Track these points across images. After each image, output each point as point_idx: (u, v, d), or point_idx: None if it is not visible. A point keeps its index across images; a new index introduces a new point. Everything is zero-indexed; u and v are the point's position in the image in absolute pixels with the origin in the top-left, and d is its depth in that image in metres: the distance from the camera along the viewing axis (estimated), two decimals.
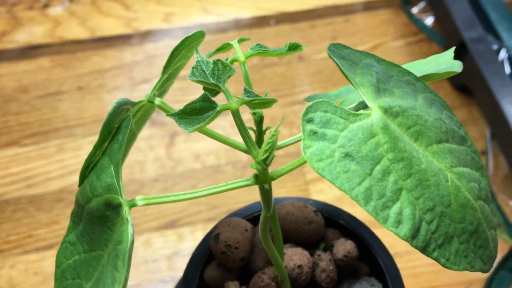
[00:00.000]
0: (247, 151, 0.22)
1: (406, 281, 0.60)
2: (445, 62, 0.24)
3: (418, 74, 0.22)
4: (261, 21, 0.81)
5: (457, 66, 0.23)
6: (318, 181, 0.66)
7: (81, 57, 0.76)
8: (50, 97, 0.72)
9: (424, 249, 0.18)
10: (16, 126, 0.70)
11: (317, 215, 0.30)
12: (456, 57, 0.78)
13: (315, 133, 0.17)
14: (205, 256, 0.29)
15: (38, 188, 0.65)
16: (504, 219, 0.63)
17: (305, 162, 0.19)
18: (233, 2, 0.84)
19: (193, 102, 0.20)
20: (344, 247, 0.29)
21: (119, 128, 0.21)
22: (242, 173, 0.67)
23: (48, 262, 0.60)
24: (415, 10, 0.82)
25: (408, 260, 0.61)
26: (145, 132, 0.69)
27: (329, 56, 0.19)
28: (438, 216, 0.17)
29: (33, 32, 0.79)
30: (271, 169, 0.22)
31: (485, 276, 0.59)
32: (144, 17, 0.81)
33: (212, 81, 0.20)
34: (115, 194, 0.20)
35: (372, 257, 0.30)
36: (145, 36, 0.79)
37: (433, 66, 0.24)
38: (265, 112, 0.27)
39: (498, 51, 0.71)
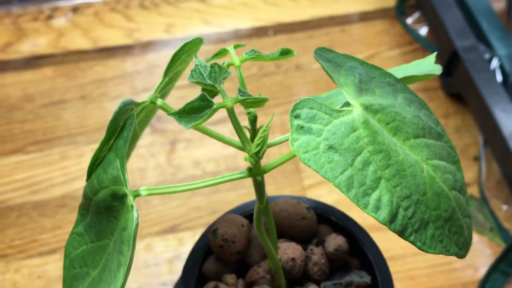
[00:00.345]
0: (242, 148, 0.23)
1: (401, 283, 0.61)
2: (427, 66, 0.26)
3: (400, 77, 0.24)
4: (259, 32, 0.83)
5: (437, 70, 0.25)
6: (315, 187, 0.68)
7: (84, 67, 0.78)
8: (54, 106, 0.74)
9: (401, 233, 0.19)
10: (20, 134, 0.71)
11: (310, 211, 0.32)
12: (450, 65, 0.80)
13: (301, 127, 0.19)
14: (203, 251, 0.31)
15: (42, 194, 0.66)
16: (496, 223, 0.64)
17: (294, 156, 0.21)
18: (232, 13, 0.86)
19: (192, 102, 0.21)
20: (335, 241, 0.30)
21: (124, 126, 0.23)
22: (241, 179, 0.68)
23: (51, 266, 0.61)
24: (409, 20, 0.85)
25: (403, 263, 0.62)
26: (146, 139, 0.71)
27: (315, 59, 0.21)
28: (414, 203, 0.19)
29: (37, 42, 0.81)
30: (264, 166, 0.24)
31: (478, 278, 0.60)
32: (145, 28, 0.83)
33: (209, 82, 0.22)
34: (121, 185, 0.22)
35: (362, 252, 0.32)
36: (146, 46, 0.81)
37: (416, 70, 0.26)
38: (263, 119, 0.29)
39: (490, 60, 0.73)
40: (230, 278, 0.30)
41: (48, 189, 0.67)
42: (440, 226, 0.20)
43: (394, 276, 0.62)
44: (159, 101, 0.24)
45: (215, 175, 0.69)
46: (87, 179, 0.24)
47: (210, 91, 0.23)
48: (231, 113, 0.22)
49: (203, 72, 0.22)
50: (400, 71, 0.26)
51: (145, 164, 0.69)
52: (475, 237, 0.63)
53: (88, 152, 0.70)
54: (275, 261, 0.28)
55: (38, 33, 0.82)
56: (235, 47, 0.26)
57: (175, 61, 0.24)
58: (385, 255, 0.63)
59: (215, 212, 0.66)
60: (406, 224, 0.19)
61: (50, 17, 0.84)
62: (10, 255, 0.62)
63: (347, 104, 0.20)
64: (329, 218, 0.33)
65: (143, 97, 0.79)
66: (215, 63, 0.23)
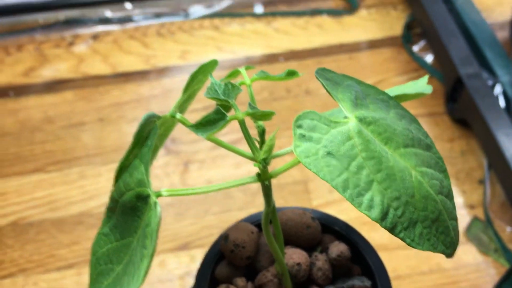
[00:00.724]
0: (251, 157, 0.26)
1: None
2: (420, 87, 0.28)
3: (393, 95, 0.26)
4: (271, 58, 0.87)
5: (428, 89, 0.27)
6: (323, 207, 0.70)
7: (103, 91, 0.82)
8: (73, 128, 0.77)
9: (392, 230, 0.22)
10: (41, 154, 0.75)
11: (315, 221, 0.34)
12: (454, 92, 0.83)
13: (303, 136, 0.22)
14: (216, 256, 0.33)
15: (60, 211, 0.69)
16: (501, 244, 0.66)
17: (298, 162, 0.23)
18: (245, 41, 0.90)
19: (208, 115, 0.24)
20: (338, 248, 0.33)
21: (147, 136, 0.26)
22: (251, 199, 0.71)
23: (68, 280, 0.63)
24: (415, 48, 0.88)
25: (410, 282, 0.64)
26: (161, 160, 0.74)
27: (317, 77, 0.24)
28: (403, 204, 0.22)
29: (58, 68, 0.85)
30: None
31: None
32: (161, 55, 0.87)
33: (223, 97, 0.25)
34: (145, 187, 0.24)
35: (363, 259, 0.34)
36: (162, 72, 0.85)
37: (409, 90, 0.28)
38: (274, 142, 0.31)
39: (493, 86, 0.75)
40: (240, 281, 0.32)
41: (67, 206, 0.69)
42: (427, 225, 0.22)
43: None
44: (178, 115, 0.27)
45: (227, 195, 0.72)
46: (114, 184, 0.27)
47: (224, 107, 0.26)
48: (242, 124, 0.25)
49: (217, 90, 0.25)
50: (395, 90, 0.29)
51: (160, 184, 0.72)
52: (480, 257, 0.65)
53: (105, 172, 0.73)
54: (282, 264, 0.30)
55: (59, 59, 0.86)
56: (247, 68, 0.29)
57: (192, 80, 0.27)
58: (393, 274, 0.65)
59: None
60: (396, 222, 0.21)
61: (71, 43, 0.88)
62: (29, 270, 0.64)
63: (343, 116, 0.23)
64: (332, 228, 0.35)
65: None
66: (228, 82, 0.25)
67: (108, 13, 0.93)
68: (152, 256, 0.22)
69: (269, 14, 0.93)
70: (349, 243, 0.34)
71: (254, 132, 0.34)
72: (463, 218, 0.68)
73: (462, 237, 0.66)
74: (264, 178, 0.26)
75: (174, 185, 0.72)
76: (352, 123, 0.22)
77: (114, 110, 0.79)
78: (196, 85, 0.27)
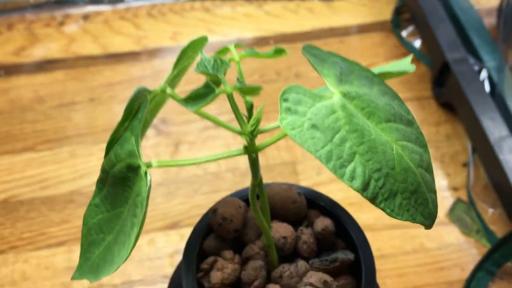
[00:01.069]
0: (239, 131, 0.27)
1: (391, 281, 0.64)
2: (403, 65, 0.29)
3: (377, 72, 0.27)
4: (261, 41, 0.87)
5: (410, 68, 0.28)
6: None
7: (94, 71, 0.82)
8: (64, 107, 0.78)
9: (373, 200, 0.23)
10: (32, 133, 0.75)
11: (301, 196, 0.35)
12: (441, 76, 0.84)
13: (289, 109, 0.23)
14: (204, 230, 0.34)
15: (51, 190, 0.70)
16: (483, 226, 0.67)
17: (284, 135, 0.24)
18: (236, 23, 0.90)
19: (197, 89, 0.25)
20: (323, 222, 0.34)
21: (138, 109, 0.27)
22: (241, 179, 0.72)
23: (59, 257, 0.64)
24: (404, 33, 0.89)
25: (393, 261, 0.66)
26: (152, 140, 0.75)
27: (303, 54, 0.25)
28: (384, 175, 0.23)
29: (49, 47, 0.85)
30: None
31: (464, 277, 0.63)
32: (152, 36, 0.87)
33: (212, 72, 0.25)
34: (135, 158, 0.25)
35: (347, 234, 0.35)
36: (153, 53, 0.85)
37: (392, 68, 0.29)
38: (264, 123, 0.32)
39: (479, 72, 0.76)
40: (228, 253, 0.33)
41: (57, 185, 0.70)
42: (407, 197, 0.23)
43: (385, 274, 0.65)
44: (168, 90, 0.28)
45: (216, 175, 0.73)
46: (105, 156, 0.28)
47: (213, 82, 0.27)
48: (230, 98, 0.26)
49: (207, 65, 0.26)
50: (379, 69, 0.30)
51: None
52: (462, 238, 0.67)
53: (96, 152, 0.73)
54: (268, 237, 0.31)
55: (50, 39, 0.86)
56: (236, 46, 0.30)
57: (182, 56, 0.28)
58: (377, 253, 0.66)
59: None
60: (377, 193, 0.22)
61: (62, 23, 0.88)
62: (20, 247, 0.65)
63: (328, 91, 0.24)
64: (318, 203, 0.36)
65: None
66: (218, 57, 0.26)
67: None
68: (142, 223, 0.23)
69: None
70: (334, 218, 0.36)
71: (243, 111, 0.35)
72: (447, 200, 0.70)
73: (445, 218, 0.68)
74: (251, 151, 0.27)
75: None
76: (336, 98, 0.23)
77: (105, 90, 0.80)
78: (186, 60, 0.28)
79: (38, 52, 0.84)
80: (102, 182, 0.27)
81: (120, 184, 0.26)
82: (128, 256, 0.23)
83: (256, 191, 0.29)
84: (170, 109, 0.78)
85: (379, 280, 0.63)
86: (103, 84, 0.81)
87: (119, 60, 0.84)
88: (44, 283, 0.62)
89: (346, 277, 0.34)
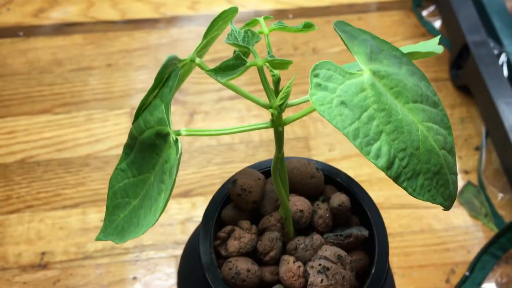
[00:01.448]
0: (266, 105, 0.27)
1: (397, 259, 0.65)
2: (431, 46, 0.29)
3: (406, 52, 0.28)
4: (280, 14, 0.87)
5: (439, 49, 0.28)
6: None
7: (111, 36, 0.82)
8: (82, 71, 0.78)
9: (396, 179, 0.23)
10: (49, 96, 0.76)
11: (318, 171, 0.36)
12: (460, 59, 0.83)
13: (319, 85, 0.23)
14: (223, 198, 0.35)
15: (67, 152, 0.71)
16: (491, 210, 0.68)
17: (312, 110, 0.25)
18: None
19: (227, 60, 0.25)
20: (339, 198, 0.34)
21: (169, 77, 0.27)
22: (253, 151, 0.72)
23: (73, 218, 0.66)
24: (425, 13, 0.88)
25: (400, 240, 0.66)
26: None
27: (335, 29, 0.25)
28: (409, 155, 0.23)
29: (68, 10, 0.85)
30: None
31: (470, 259, 0.64)
32: (171, 4, 0.87)
33: (243, 44, 0.26)
34: (165, 126, 0.26)
35: (362, 211, 0.36)
36: (171, 21, 0.85)
37: (420, 48, 0.29)
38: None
39: (498, 55, 0.76)
40: (245, 223, 0.34)
41: (73, 148, 0.71)
42: (429, 177, 0.24)
43: (391, 252, 0.66)
44: (197, 60, 0.28)
45: (229, 147, 0.74)
46: (133, 122, 0.28)
47: (242, 53, 0.27)
48: (261, 71, 0.26)
49: (237, 36, 0.26)
50: (407, 48, 0.30)
51: None
52: (470, 221, 0.67)
53: (111, 117, 0.74)
54: (286, 209, 0.32)
55: (69, 2, 0.86)
56: (265, 18, 0.30)
57: (213, 26, 0.28)
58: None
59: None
60: (401, 172, 0.23)
61: None
62: (36, 206, 0.67)
63: (358, 69, 0.24)
64: (335, 179, 0.37)
65: None
66: (248, 29, 0.27)
67: None
68: (171, 190, 0.24)
69: None
70: (350, 194, 0.36)
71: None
72: (457, 182, 0.70)
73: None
74: (278, 124, 0.27)
75: None
76: (366, 76, 0.24)
77: (122, 56, 0.80)
78: (215, 31, 0.28)
79: (56, 15, 0.84)
80: (129, 147, 0.28)
81: (148, 150, 0.26)
82: (156, 221, 0.24)
83: (278, 165, 0.30)
84: (187, 79, 0.78)
85: None
86: (120, 50, 0.81)
87: (137, 26, 0.84)
88: (58, 243, 0.64)
89: (359, 253, 0.34)
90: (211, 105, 0.76)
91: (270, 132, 0.75)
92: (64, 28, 0.83)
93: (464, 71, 0.77)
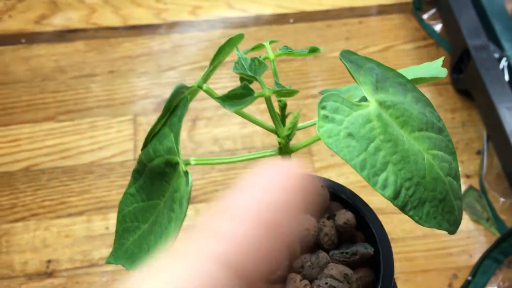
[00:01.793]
0: (273, 130, 0.28)
1: (400, 264, 0.66)
2: (434, 68, 0.30)
3: (410, 77, 0.28)
4: (280, 19, 0.87)
5: (442, 73, 0.29)
6: (325, 169, 0.72)
7: (114, 43, 0.82)
8: (84, 78, 0.79)
9: (403, 208, 0.24)
10: (53, 103, 0.76)
11: (324, 189, 0.36)
12: (460, 62, 0.83)
13: (326, 117, 0.23)
14: None
15: (71, 160, 0.71)
16: (493, 214, 0.68)
17: (318, 139, 0.25)
18: None
19: (235, 89, 0.26)
20: (344, 216, 0.35)
21: (177, 106, 0.27)
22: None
23: (78, 226, 0.66)
24: (425, 16, 0.88)
25: (403, 245, 0.67)
26: None
27: (341, 60, 0.25)
28: (415, 184, 0.24)
29: (70, 17, 0.85)
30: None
31: (472, 264, 0.65)
32: (173, 9, 0.87)
33: (250, 73, 0.26)
34: (174, 155, 0.26)
35: (367, 227, 0.36)
36: (172, 26, 0.85)
37: (424, 72, 0.30)
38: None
39: (499, 60, 0.76)
40: None
41: (77, 156, 0.72)
42: (435, 205, 0.24)
43: (394, 257, 0.67)
44: (204, 86, 0.29)
45: (232, 153, 0.74)
46: (142, 149, 0.29)
47: (248, 81, 0.28)
48: (268, 101, 0.26)
49: (244, 64, 0.27)
50: (411, 71, 0.30)
51: None
52: (472, 225, 0.68)
53: (115, 125, 0.75)
54: None
55: (71, 8, 0.86)
56: (270, 42, 0.31)
57: (220, 52, 0.28)
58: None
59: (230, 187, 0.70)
60: (407, 201, 0.23)
61: None
62: (41, 214, 0.67)
63: (364, 99, 0.25)
64: (340, 196, 0.37)
65: (167, 75, 0.83)
66: (255, 58, 0.27)
67: None
68: (182, 221, 0.24)
69: None
70: (355, 211, 0.37)
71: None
72: (462, 206, 0.70)
73: None
74: (285, 152, 0.28)
75: (182, 141, 0.74)
76: (372, 107, 0.24)
77: (125, 63, 0.80)
78: (222, 56, 0.29)
79: (58, 21, 0.84)
80: (138, 173, 0.28)
81: (157, 177, 0.27)
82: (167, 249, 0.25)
83: None
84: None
85: None
86: (122, 56, 0.81)
87: (139, 32, 0.84)
88: (64, 251, 0.64)
89: (364, 270, 0.35)
90: (213, 111, 0.77)
91: (273, 138, 0.76)
92: (66, 35, 0.83)
93: (464, 75, 0.77)
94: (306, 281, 0.33)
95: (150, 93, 0.78)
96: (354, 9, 0.89)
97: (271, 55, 0.29)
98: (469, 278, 0.63)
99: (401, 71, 0.31)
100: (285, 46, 0.30)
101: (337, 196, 0.37)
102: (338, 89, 0.32)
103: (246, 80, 0.27)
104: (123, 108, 0.76)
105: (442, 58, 0.30)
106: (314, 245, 0.35)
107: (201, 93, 0.85)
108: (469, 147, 0.74)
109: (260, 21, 0.87)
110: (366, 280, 0.34)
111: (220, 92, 0.83)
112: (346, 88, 0.32)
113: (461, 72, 0.79)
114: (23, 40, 0.82)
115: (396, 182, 0.23)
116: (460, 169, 0.74)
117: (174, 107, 0.28)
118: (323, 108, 0.24)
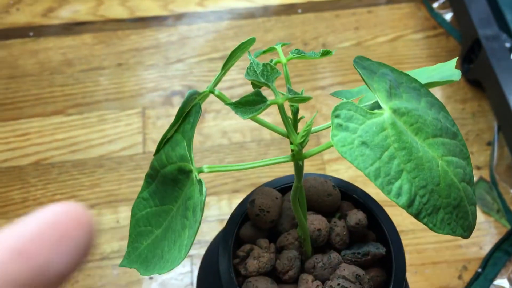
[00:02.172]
0: (286, 135, 0.28)
1: (410, 256, 0.66)
2: (448, 70, 0.29)
3: (424, 81, 0.28)
4: (288, 9, 0.86)
5: (456, 75, 0.28)
6: (333, 162, 0.72)
7: (121, 35, 0.82)
8: (92, 72, 0.79)
9: (417, 216, 0.24)
10: (61, 97, 0.76)
11: (335, 189, 0.36)
12: (471, 52, 0.82)
13: (340, 125, 0.23)
14: (241, 217, 0.35)
15: (81, 154, 0.72)
16: (503, 206, 0.68)
17: (331, 146, 0.25)
18: None
19: (247, 96, 0.25)
20: (356, 216, 0.35)
21: (189, 112, 0.27)
22: (265, 150, 0.73)
23: None
24: (435, 5, 0.87)
25: (413, 237, 0.67)
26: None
27: (354, 66, 0.25)
28: (429, 192, 0.23)
29: (77, 9, 0.85)
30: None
31: (482, 255, 0.65)
32: (180, 0, 0.86)
33: (263, 80, 0.26)
34: (187, 162, 0.26)
35: (378, 227, 0.36)
36: (179, 18, 0.85)
37: (437, 74, 0.29)
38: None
39: (511, 50, 0.75)
40: (264, 242, 0.34)
41: (87, 149, 0.72)
42: (449, 211, 0.24)
43: (404, 249, 0.67)
44: (216, 91, 0.28)
45: (241, 145, 0.74)
46: (155, 154, 0.29)
47: (259, 86, 0.28)
48: (281, 108, 0.26)
49: (256, 70, 0.26)
50: (423, 73, 0.30)
51: None
52: (482, 217, 0.68)
53: (123, 118, 0.75)
54: (304, 230, 0.33)
55: (78, 0, 0.86)
56: (282, 45, 0.30)
57: (232, 57, 0.28)
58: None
59: (239, 180, 0.70)
60: (421, 209, 0.23)
61: None
62: None
63: (378, 105, 0.25)
64: (351, 195, 0.37)
65: (175, 68, 0.83)
66: (267, 63, 0.27)
67: None
68: (197, 230, 0.24)
69: None
70: (366, 210, 0.37)
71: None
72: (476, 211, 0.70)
73: None
74: (298, 158, 0.28)
75: None
76: (386, 114, 0.24)
77: (133, 55, 0.80)
78: (233, 61, 0.29)
79: (66, 14, 0.84)
80: (151, 177, 0.28)
81: (170, 183, 0.27)
82: (182, 259, 0.25)
83: (298, 193, 0.30)
84: (197, 77, 0.78)
85: None
86: (130, 49, 0.81)
87: (146, 24, 0.83)
88: None
89: (376, 269, 0.35)
90: (221, 104, 0.76)
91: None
92: (74, 28, 0.83)
93: (475, 65, 0.76)
94: (318, 282, 0.33)
95: (158, 86, 0.77)
96: None
97: (283, 59, 0.28)
98: (479, 270, 0.63)
99: (414, 73, 0.31)
100: (296, 49, 0.29)
101: (349, 196, 0.37)
102: (350, 90, 0.32)
103: (257, 86, 0.27)
104: (131, 101, 0.76)
105: (455, 59, 0.30)
106: (326, 245, 0.35)
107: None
108: (480, 138, 0.74)
109: (268, 11, 0.86)
110: (378, 280, 0.34)
111: (228, 84, 0.82)
112: (358, 90, 0.32)
113: (471, 62, 0.78)
114: (31, 33, 0.82)
115: (411, 190, 0.23)
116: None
117: (187, 113, 0.28)
118: (337, 116, 0.23)
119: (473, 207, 0.26)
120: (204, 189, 0.24)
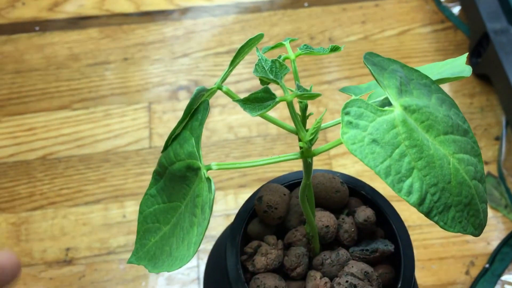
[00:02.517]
0: (295, 132, 0.27)
1: (417, 251, 0.66)
2: (458, 66, 0.29)
3: (434, 77, 0.27)
4: (295, 2, 0.86)
5: (467, 71, 0.28)
6: (340, 157, 0.72)
7: (127, 29, 0.82)
8: (98, 66, 0.78)
9: (427, 214, 0.23)
10: (67, 92, 0.76)
11: (343, 185, 0.36)
12: (479, 46, 0.82)
13: (351, 123, 0.23)
14: (248, 213, 0.35)
15: (87, 148, 0.72)
16: (511, 201, 0.68)
17: (340, 143, 0.25)
18: None
19: (256, 92, 0.25)
20: (364, 213, 0.35)
21: (197, 109, 0.27)
22: (271, 145, 0.73)
23: (95, 214, 0.67)
24: None
25: (420, 232, 0.67)
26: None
27: (364, 63, 0.25)
28: (440, 190, 0.23)
29: (82, 3, 0.85)
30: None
31: (489, 251, 0.64)
32: None
33: (271, 77, 0.26)
34: (195, 160, 0.26)
35: (387, 223, 0.36)
36: (185, 12, 0.85)
37: (448, 69, 0.29)
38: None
39: None
40: (271, 238, 0.34)
41: (93, 144, 0.72)
42: (460, 210, 0.24)
43: None
44: (224, 88, 0.28)
45: (247, 140, 0.74)
46: (163, 151, 0.29)
47: (267, 82, 0.27)
48: (290, 105, 0.26)
49: (264, 66, 0.26)
50: (433, 68, 0.30)
51: None
52: (490, 212, 0.67)
53: (129, 112, 0.75)
54: (313, 227, 0.33)
55: None
56: (290, 41, 0.30)
57: (240, 53, 0.28)
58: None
59: (245, 175, 0.70)
60: (432, 207, 0.23)
61: None
62: (58, 203, 0.68)
63: (388, 101, 0.24)
64: (359, 192, 0.37)
65: (181, 62, 0.83)
66: (276, 59, 0.26)
67: None
68: (206, 227, 0.24)
69: None
70: (374, 207, 0.36)
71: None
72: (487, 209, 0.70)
73: None
74: (307, 156, 0.27)
75: None
76: (397, 112, 0.24)
77: (138, 49, 0.80)
78: (241, 57, 0.28)
79: (71, 8, 0.84)
80: (158, 174, 0.28)
81: (178, 180, 0.27)
82: (191, 257, 0.25)
83: (307, 190, 0.30)
84: (203, 72, 0.78)
85: None
86: (136, 43, 0.81)
87: (152, 18, 0.83)
88: (82, 239, 0.65)
89: (385, 266, 0.35)
90: (228, 98, 0.76)
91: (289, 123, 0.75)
92: (79, 22, 0.82)
93: (483, 59, 0.76)
94: (326, 279, 0.33)
95: (164, 80, 0.77)
96: None
97: (292, 55, 0.28)
98: (487, 265, 0.63)
99: (423, 68, 0.30)
100: (305, 45, 0.29)
101: (357, 192, 0.37)
102: (359, 86, 0.32)
103: (265, 82, 0.26)
104: (137, 96, 0.76)
105: (465, 55, 0.30)
106: (334, 242, 0.35)
107: (216, 79, 0.85)
108: (488, 133, 0.73)
109: (274, 5, 0.86)
110: (386, 276, 0.34)
111: (235, 79, 0.82)
112: (367, 85, 0.32)
113: (480, 56, 0.77)
114: (37, 28, 0.82)
115: (422, 188, 0.23)
116: None
117: (195, 110, 0.27)
118: (347, 114, 0.23)
119: (484, 205, 0.26)
120: (213, 187, 0.24)
